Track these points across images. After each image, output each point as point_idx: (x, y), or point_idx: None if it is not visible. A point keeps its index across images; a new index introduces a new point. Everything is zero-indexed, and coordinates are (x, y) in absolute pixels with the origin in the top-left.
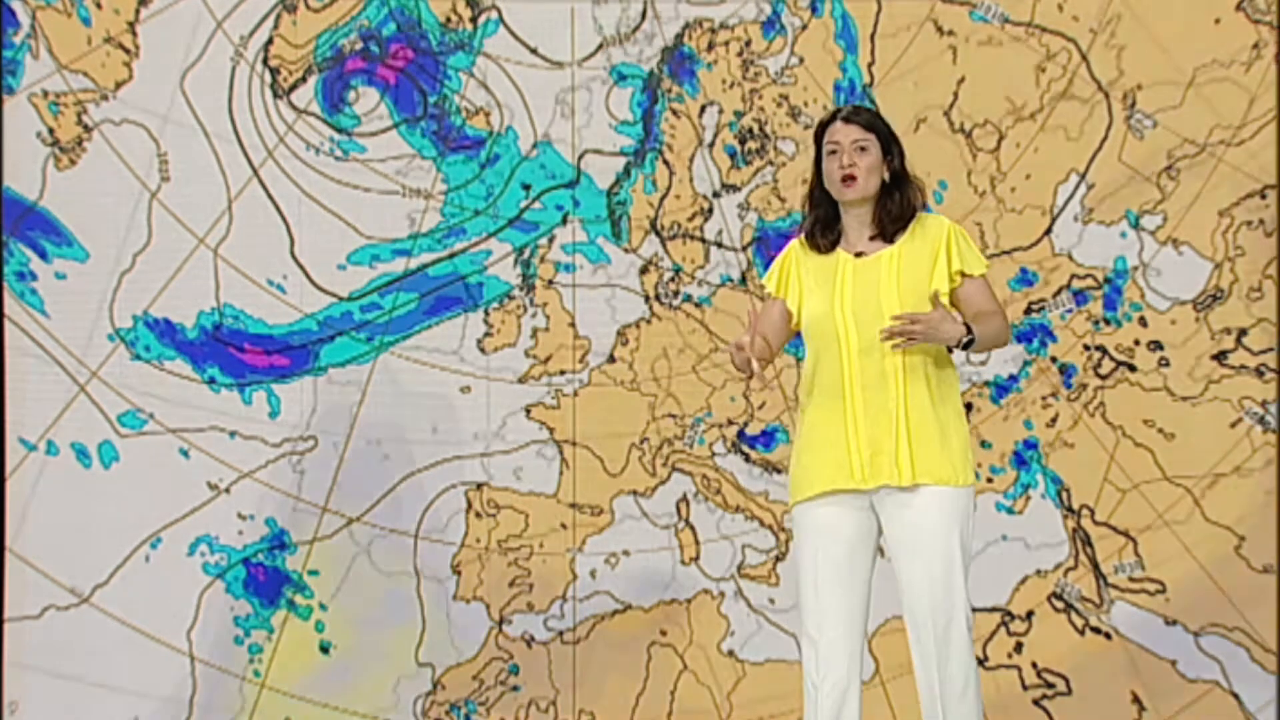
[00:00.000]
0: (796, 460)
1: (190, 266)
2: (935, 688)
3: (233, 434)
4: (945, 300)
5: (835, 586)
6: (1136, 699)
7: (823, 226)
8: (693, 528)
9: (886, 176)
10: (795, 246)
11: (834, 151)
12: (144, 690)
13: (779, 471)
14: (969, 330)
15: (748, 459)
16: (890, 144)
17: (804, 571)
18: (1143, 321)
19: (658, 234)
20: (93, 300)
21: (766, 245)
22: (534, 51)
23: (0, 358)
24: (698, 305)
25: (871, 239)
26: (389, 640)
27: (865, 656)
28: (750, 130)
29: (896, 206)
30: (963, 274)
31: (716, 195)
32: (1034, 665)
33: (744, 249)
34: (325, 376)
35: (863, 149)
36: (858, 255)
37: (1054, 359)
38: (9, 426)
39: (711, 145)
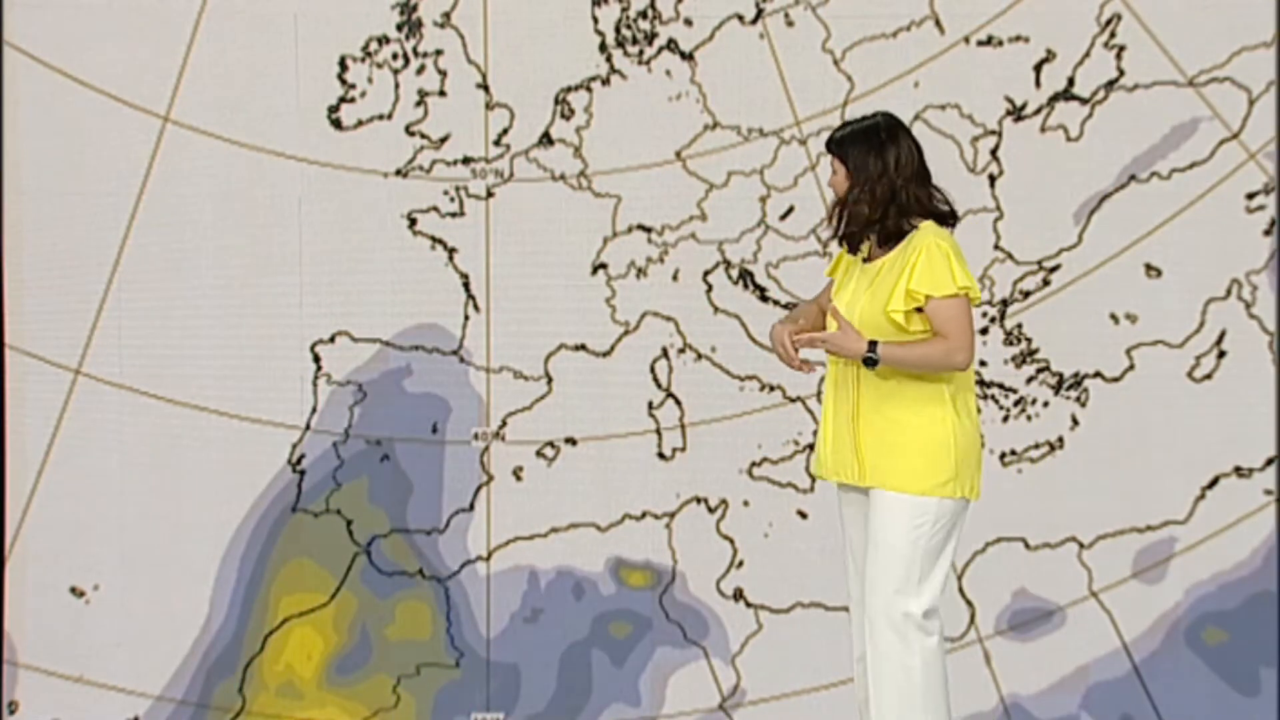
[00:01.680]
0: None
1: (186, 266)
2: (870, 683)
3: (233, 433)
4: (899, 318)
5: (851, 565)
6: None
7: (851, 237)
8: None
9: (859, 187)
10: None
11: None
12: (144, 690)
13: None
14: (872, 350)
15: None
16: (863, 160)
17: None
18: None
19: None
20: (91, 298)
21: None
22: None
23: (0, 358)
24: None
25: (880, 247)
26: (389, 640)
27: None
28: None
29: (892, 221)
30: (924, 293)
31: None
32: None
33: None
34: (325, 376)
35: (835, 172)
36: (865, 260)
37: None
38: (9, 426)
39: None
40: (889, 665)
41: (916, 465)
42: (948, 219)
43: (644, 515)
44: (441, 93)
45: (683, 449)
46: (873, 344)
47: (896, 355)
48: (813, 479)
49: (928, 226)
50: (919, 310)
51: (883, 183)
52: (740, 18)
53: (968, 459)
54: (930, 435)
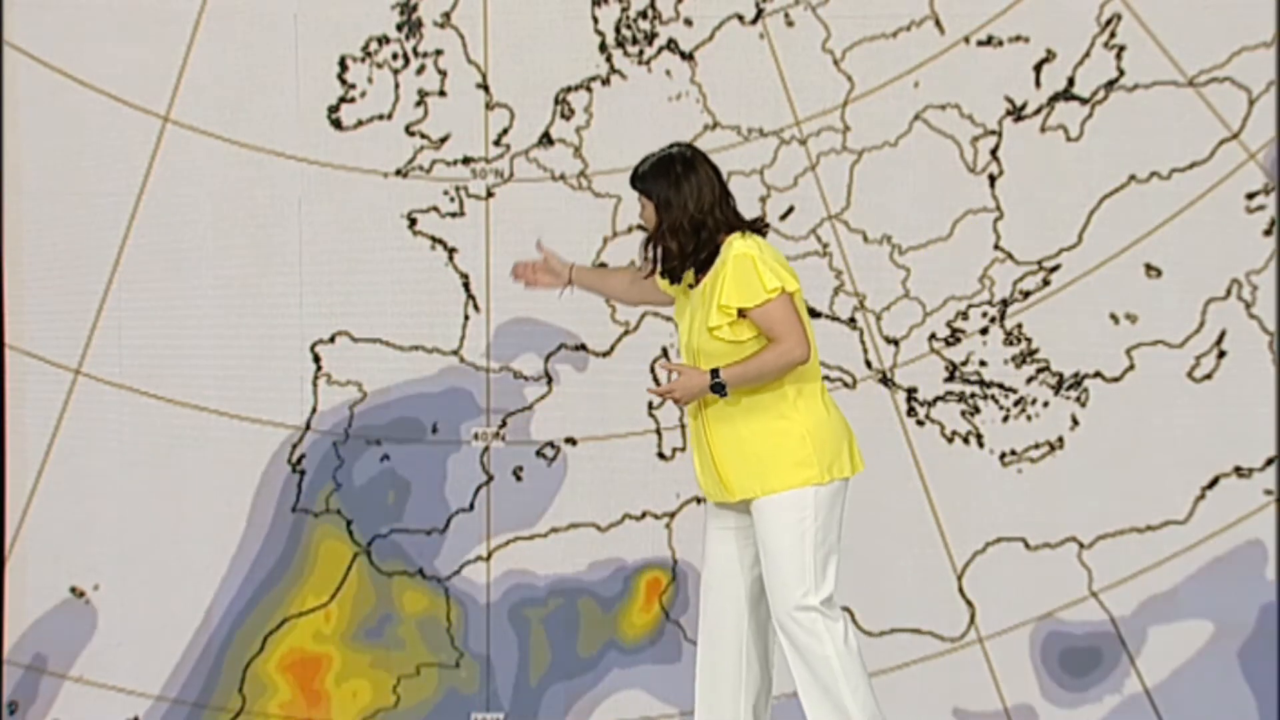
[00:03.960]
0: None
1: (186, 266)
2: (798, 685)
3: (233, 433)
4: (724, 332)
5: (710, 596)
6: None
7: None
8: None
9: (667, 223)
10: None
11: None
12: (144, 690)
13: None
14: (714, 375)
15: None
16: (657, 196)
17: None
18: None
19: None
20: (91, 298)
21: None
22: None
23: (0, 358)
24: None
25: (699, 272)
26: (389, 639)
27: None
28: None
29: (705, 250)
30: (736, 307)
31: None
32: None
33: None
34: (325, 376)
35: (644, 207)
36: (692, 286)
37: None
38: (9, 426)
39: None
40: (810, 662)
41: (776, 465)
42: (756, 227)
43: (644, 515)
44: (441, 93)
45: (683, 449)
46: (714, 373)
47: (739, 375)
48: None
49: (733, 239)
50: (742, 316)
51: (688, 215)
52: (740, 18)
53: (824, 441)
54: (777, 430)
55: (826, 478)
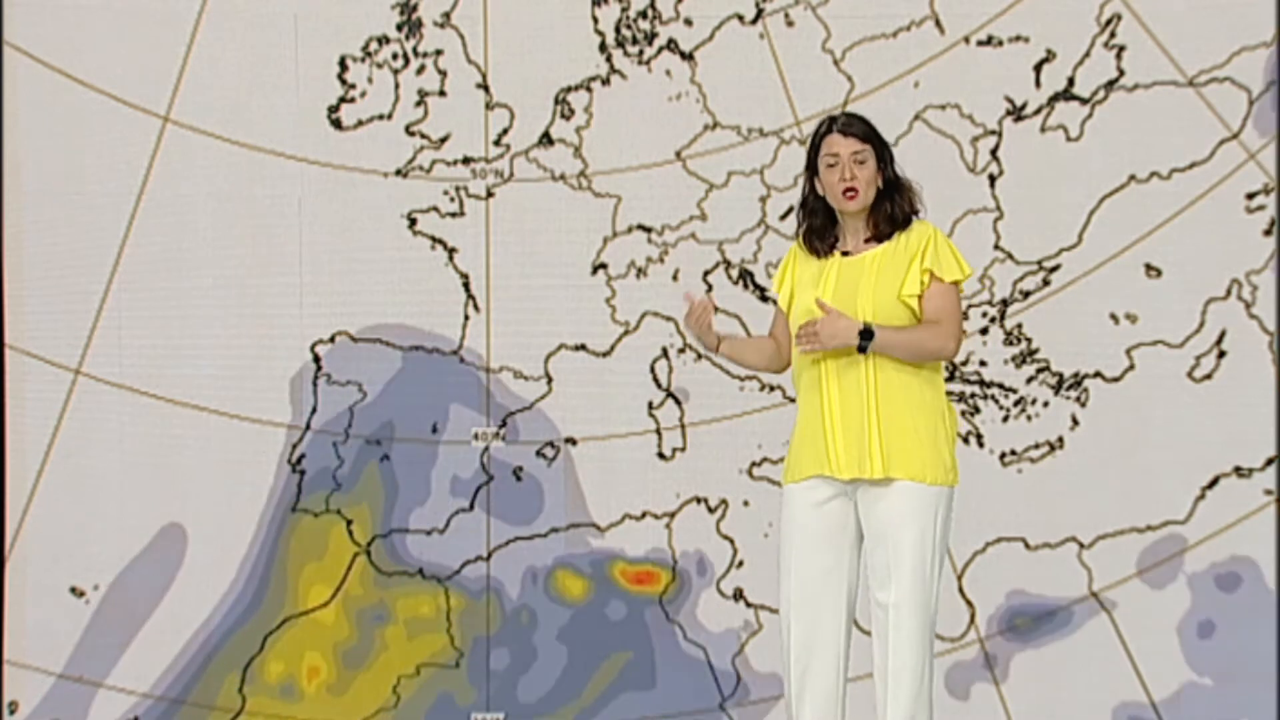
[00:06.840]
0: (789, 447)
1: (186, 266)
2: (884, 673)
3: (233, 433)
4: (914, 302)
5: (813, 565)
6: None
7: (819, 234)
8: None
9: (880, 184)
10: (794, 250)
11: (833, 165)
12: (144, 690)
13: None
14: (866, 331)
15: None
16: (884, 151)
17: (784, 549)
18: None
19: None
20: (91, 298)
21: None
22: None
23: (0, 358)
24: None
25: (866, 241)
26: (389, 640)
27: (850, 637)
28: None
29: (898, 211)
30: (932, 275)
31: None
32: None
33: None
34: (325, 376)
35: (861, 161)
36: (844, 254)
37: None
38: (9, 426)
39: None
40: (909, 668)
41: (929, 452)
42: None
43: (644, 515)
44: (441, 93)
45: (683, 449)
46: (866, 326)
47: (889, 340)
48: None
49: (922, 220)
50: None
51: (897, 176)
52: (740, 18)
53: (953, 444)
54: (939, 422)
55: (956, 480)
